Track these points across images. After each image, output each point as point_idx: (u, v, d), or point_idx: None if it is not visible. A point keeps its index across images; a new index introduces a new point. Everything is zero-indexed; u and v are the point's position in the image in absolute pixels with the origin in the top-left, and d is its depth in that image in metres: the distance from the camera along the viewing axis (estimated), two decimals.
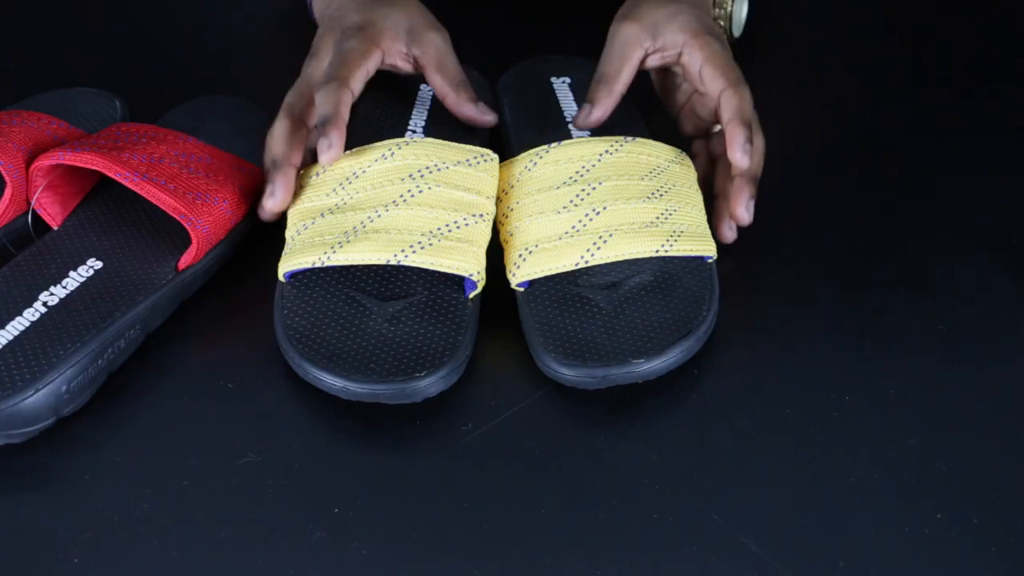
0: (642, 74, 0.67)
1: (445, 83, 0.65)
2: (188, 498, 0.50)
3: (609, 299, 0.56)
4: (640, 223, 0.57)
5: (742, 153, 0.59)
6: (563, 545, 0.48)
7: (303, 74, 0.64)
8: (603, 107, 0.64)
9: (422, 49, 0.65)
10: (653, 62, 0.64)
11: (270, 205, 0.59)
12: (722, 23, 0.74)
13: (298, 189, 0.60)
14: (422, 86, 0.72)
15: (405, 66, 0.66)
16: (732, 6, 0.75)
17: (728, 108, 0.60)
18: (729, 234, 0.61)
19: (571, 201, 0.58)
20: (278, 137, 0.60)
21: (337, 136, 0.58)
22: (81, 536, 0.48)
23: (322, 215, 0.57)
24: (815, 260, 0.63)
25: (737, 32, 0.77)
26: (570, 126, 0.68)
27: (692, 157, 0.65)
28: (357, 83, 0.61)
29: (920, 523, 0.49)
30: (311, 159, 0.63)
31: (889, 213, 0.66)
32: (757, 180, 0.61)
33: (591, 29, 0.68)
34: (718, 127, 0.64)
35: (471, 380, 0.55)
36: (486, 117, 0.66)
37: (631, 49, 0.64)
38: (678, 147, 0.62)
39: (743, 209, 0.59)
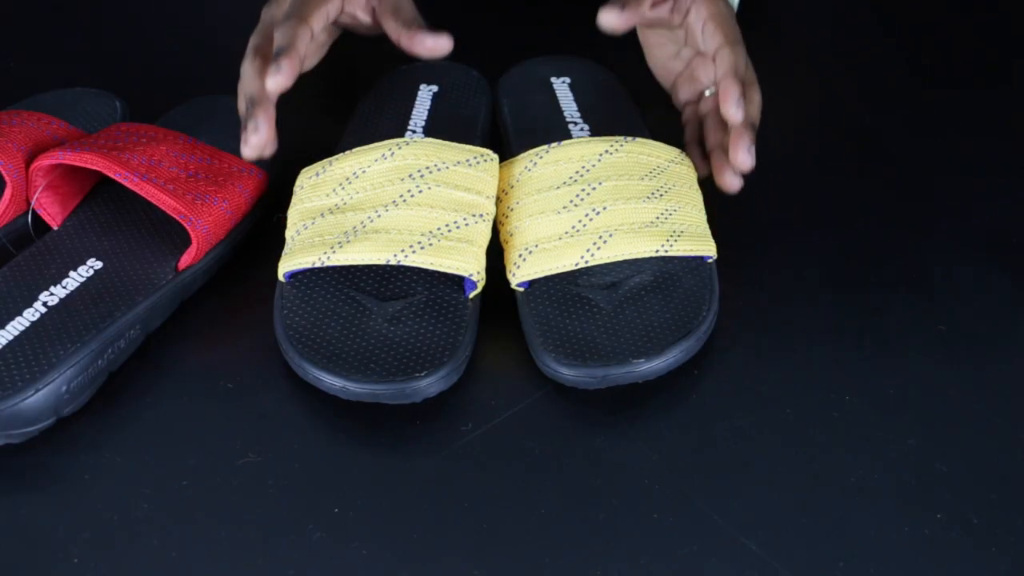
0: (638, 73, 0.67)
1: (398, 25, 0.65)
2: (188, 498, 0.50)
3: (609, 299, 0.56)
4: (640, 223, 0.57)
5: (736, 107, 0.59)
6: (563, 545, 0.48)
7: (263, 16, 0.65)
8: (633, 10, 0.62)
9: None
10: (662, 11, 0.64)
11: (255, 140, 0.59)
12: None
13: (298, 189, 0.60)
14: (422, 86, 0.72)
15: (365, 17, 0.67)
16: None
17: (723, 64, 0.61)
18: (735, 182, 0.61)
19: (571, 201, 0.58)
20: (250, 75, 0.61)
21: (287, 64, 0.59)
22: (81, 536, 0.48)
23: (322, 215, 0.57)
24: (815, 260, 0.63)
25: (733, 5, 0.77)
26: (570, 127, 0.68)
27: (683, 125, 0.67)
28: (317, 22, 0.62)
29: (920, 523, 0.49)
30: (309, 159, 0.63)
31: (888, 213, 0.67)
32: (755, 128, 0.61)
33: (591, 29, 0.68)
34: (710, 91, 0.65)
35: (471, 380, 0.55)
36: (439, 42, 0.64)
37: None
38: (677, 147, 0.62)
39: (744, 153, 0.59)
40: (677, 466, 0.51)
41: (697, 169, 0.63)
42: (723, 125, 0.63)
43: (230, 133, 0.67)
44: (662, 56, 0.69)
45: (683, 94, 0.67)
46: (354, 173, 0.58)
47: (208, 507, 0.50)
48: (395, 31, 0.65)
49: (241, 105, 0.61)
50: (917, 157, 0.71)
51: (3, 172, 0.60)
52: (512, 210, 0.59)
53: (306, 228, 0.57)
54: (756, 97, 0.63)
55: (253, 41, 0.63)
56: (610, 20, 0.63)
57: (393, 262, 0.54)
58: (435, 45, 0.64)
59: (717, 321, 0.57)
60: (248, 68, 0.62)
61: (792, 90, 0.79)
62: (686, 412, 0.54)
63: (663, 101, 0.71)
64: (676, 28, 0.66)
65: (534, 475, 0.51)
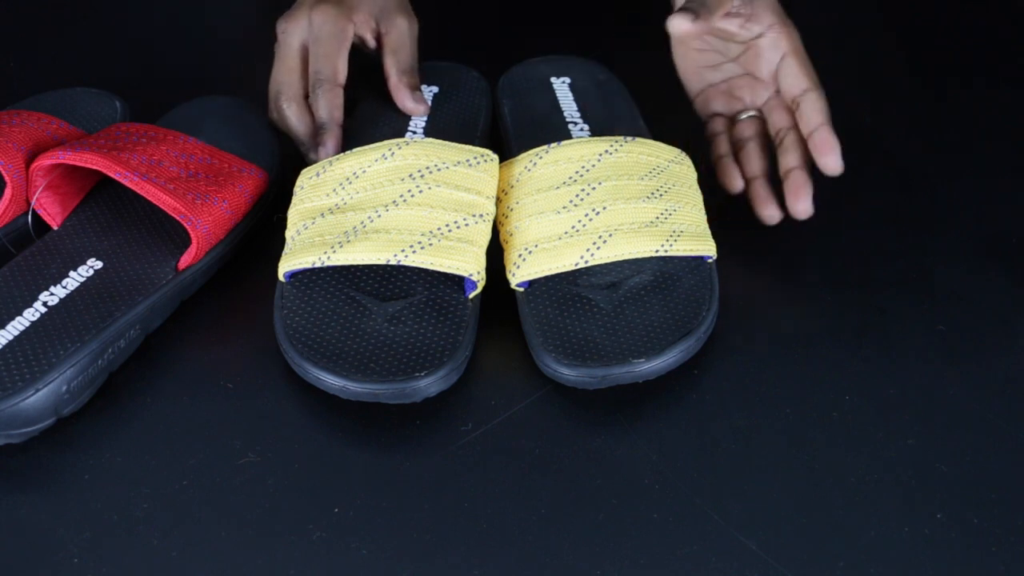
0: (638, 73, 0.67)
1: (393, 66, 0.68)
2: (188, 498, 0.50)
3: (609, 299, 0.56)
4: (640, 223, 0.57)
5: (837, 160, 0.60)
6: (563, 545, 0.48)
7: (285, 44, 0.66)
8: (705, 19, 0.61)
9: (386, 29, 0.68)
10: (732, 24, 0.62)
11: (323, 153, 0.65)
12: None
13: (298, 189, 0.60)
14: (422, 86, 0.72)
15: (371, 41, 0.68)
16: None
17: (816, 112, 0.61)
18: (777, 215, 0.62)
19: (571, 201, 0.58)
20: (299, 115, 0.65)
21: (332, 141, 0.64)
22: (81, 536, 0.48)
23: (322, 215, 0.57)
24: (815, 260, 0.63)
25: None
26: (570, 127, 0.68)
27: (709, 137, 0.66)
28: (343, 72, 0.66)
29: (920, 523, 0.49)
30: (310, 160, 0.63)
31: (889, 213, 0.66)
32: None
33: (591, 29, 0.68)
34: (747, 114, 0.65)
35: (471, 380, 0.55)
36: (418, 107, 0.68)
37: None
38: (677, 147, 0.62)
39: (807, 202, 0.60)
40: (677, 466, 0.51)
41: (729, 183, 0.63)
42: (765, 154, 0.63)
43: (230, 133, 0.67)
44: (698, 62, 0.66)
45: (714, 106, 0.66)
46: (354, 173, 0.58)
47: (208, 507, 0.50)
48: (388, 70, 0.68)
49: (298, 131, 0.66)
50: (917, 158, 0.71)
51: (3, 172, 0.60)
52: (512, 210, 0.59)
53: (306, 228, 0.57)
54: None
55: (280, 83, 0.66)
56: (681, 27, 0.62)
57: (393, 262, 0.54)
58: (413, 108, 0.68)
59: (717, 321, 0.57)
60: (293, 110, 0.65)
61: None
62: (686, 412, 0.54)
63: (664, 101, 0.70)
64: (738, 43, 0.64)
65: (534, 475, 0.51)
